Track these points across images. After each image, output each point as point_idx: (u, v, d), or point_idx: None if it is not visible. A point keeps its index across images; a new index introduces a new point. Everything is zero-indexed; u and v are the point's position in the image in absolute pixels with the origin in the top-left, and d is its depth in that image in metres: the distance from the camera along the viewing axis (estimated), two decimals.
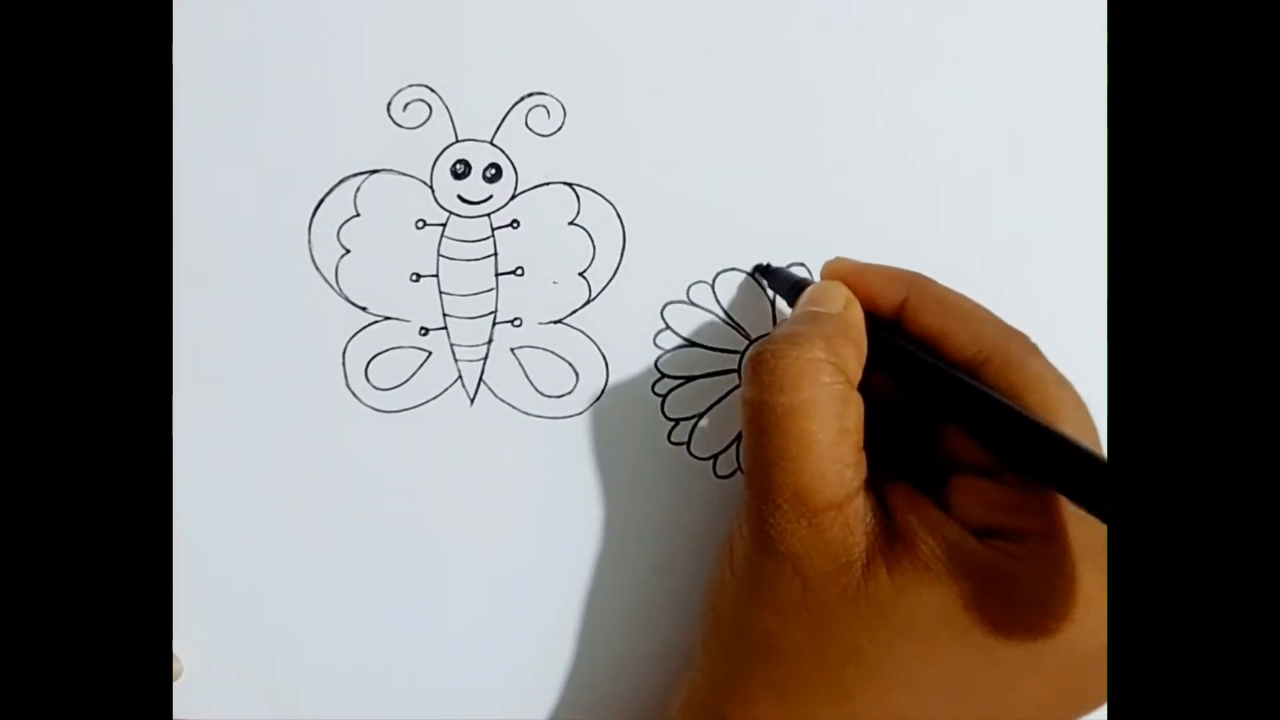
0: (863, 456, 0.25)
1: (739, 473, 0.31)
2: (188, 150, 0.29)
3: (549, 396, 0.30)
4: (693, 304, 0.30)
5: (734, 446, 0.31)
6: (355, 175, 0.29)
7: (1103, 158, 0.30)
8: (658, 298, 0.30)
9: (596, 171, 0.29)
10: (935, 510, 0.25)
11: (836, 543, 0.24)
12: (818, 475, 0.24)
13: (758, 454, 0.24)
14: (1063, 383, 0.25)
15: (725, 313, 0.30)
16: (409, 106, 0.29)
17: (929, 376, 0.25)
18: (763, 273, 0.30)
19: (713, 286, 0.30)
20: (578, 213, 0.30)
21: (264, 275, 0.29)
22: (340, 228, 0.29)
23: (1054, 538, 0.23)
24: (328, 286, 0.30)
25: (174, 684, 0.30)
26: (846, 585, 0.24)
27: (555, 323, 0.30)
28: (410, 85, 0.29)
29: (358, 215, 0.29)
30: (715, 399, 0.31)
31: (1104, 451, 0.24)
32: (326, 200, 0.29)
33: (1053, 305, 0.31)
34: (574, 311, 0.30)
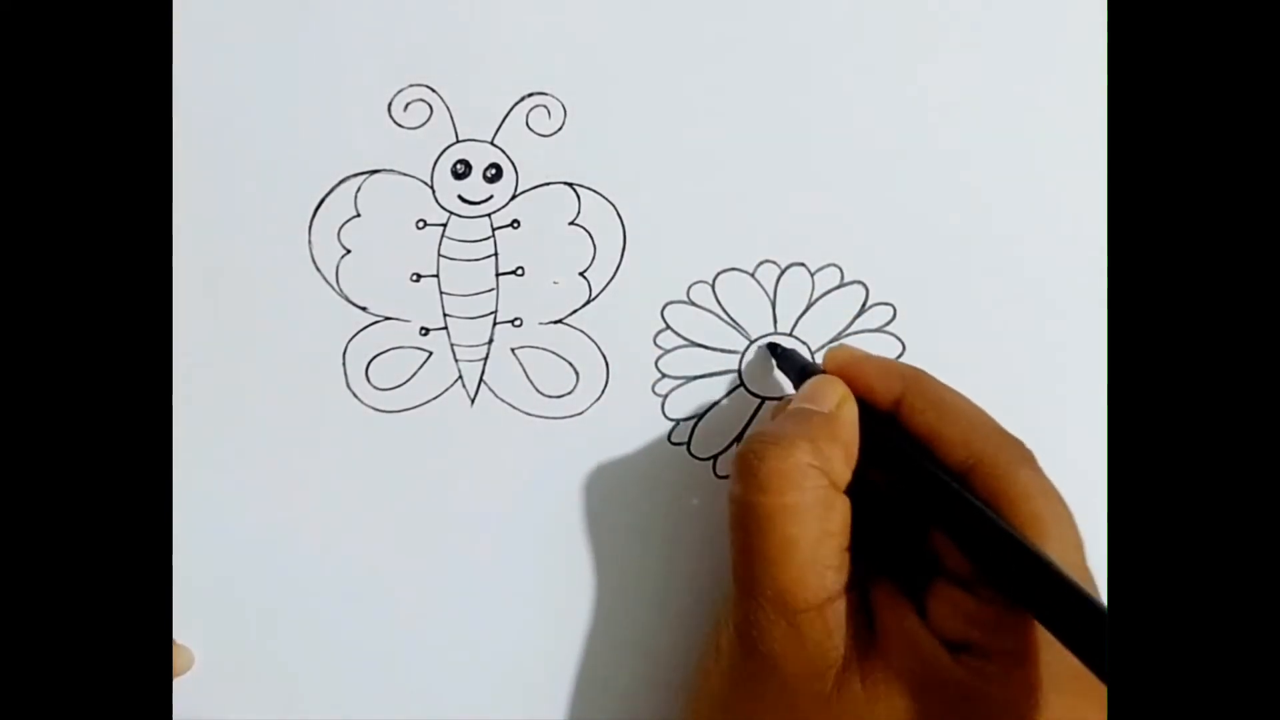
0: (846, 558, 0.25)
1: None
2: (188, 150, 0.29)
3: (549, 396, 0.30)
4: (693, 304, 0.30)
5: (734, 447, 0.31)
6: (356, 175, 0.29)
7: (1103, 158, 0.30)
8: (658, 298, 0.30)
9: (597, 171, 0.29)
10: (914, 618, 0.25)
11: (814, 646, 0.24)
12: (798, 578, 0.24)
13: (742, 551, 0.25)
14: (1050, 496, 0.24)
15: (725, 313, 0.30)
16: (410, 106, 0.29)
17: (917, 478, 0.25)
18: (773, 353, 0.30)
19: (713, 286, 0.30)
20: (578, 213, 0.30)
21: (264, 275, 0.29)
22: (341, 228, 0.29)
23: (1025, 659, 0.23)
24: (328, 287, 0.30)
25: (185, 675, 0.30)
26: (820, 690, 0.24)
27: (556, 323, 0.30)
28: (411, 85, 0.29)
29: (358, 215, 0.29)
30: (715, 399, 0.31)
31: (1088, 576, 0.24)
32: (327, 200, 0.29)
33: (1052, 305, 0.31)
34: (574, 311, 0.30)
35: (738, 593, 0.25)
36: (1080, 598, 0.20)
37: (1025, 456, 0.25)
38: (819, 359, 0.31)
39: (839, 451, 0.25)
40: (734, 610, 0.25)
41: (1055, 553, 0.22)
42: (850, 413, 0.26)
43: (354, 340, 0.30)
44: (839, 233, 0.30)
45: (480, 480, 0.30)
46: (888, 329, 0.30)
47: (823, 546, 0.24)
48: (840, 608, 0.24)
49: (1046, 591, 0.21)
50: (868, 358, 0.28)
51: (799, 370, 0.29)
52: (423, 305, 0.30)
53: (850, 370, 0.27)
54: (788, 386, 0.30)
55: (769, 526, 0.24)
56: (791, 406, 0.27)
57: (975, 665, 0.24)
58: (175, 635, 0.30)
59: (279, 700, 0.31)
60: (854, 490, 0.26)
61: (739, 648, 0.25)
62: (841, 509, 0.25)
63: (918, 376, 0.27)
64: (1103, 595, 0.24)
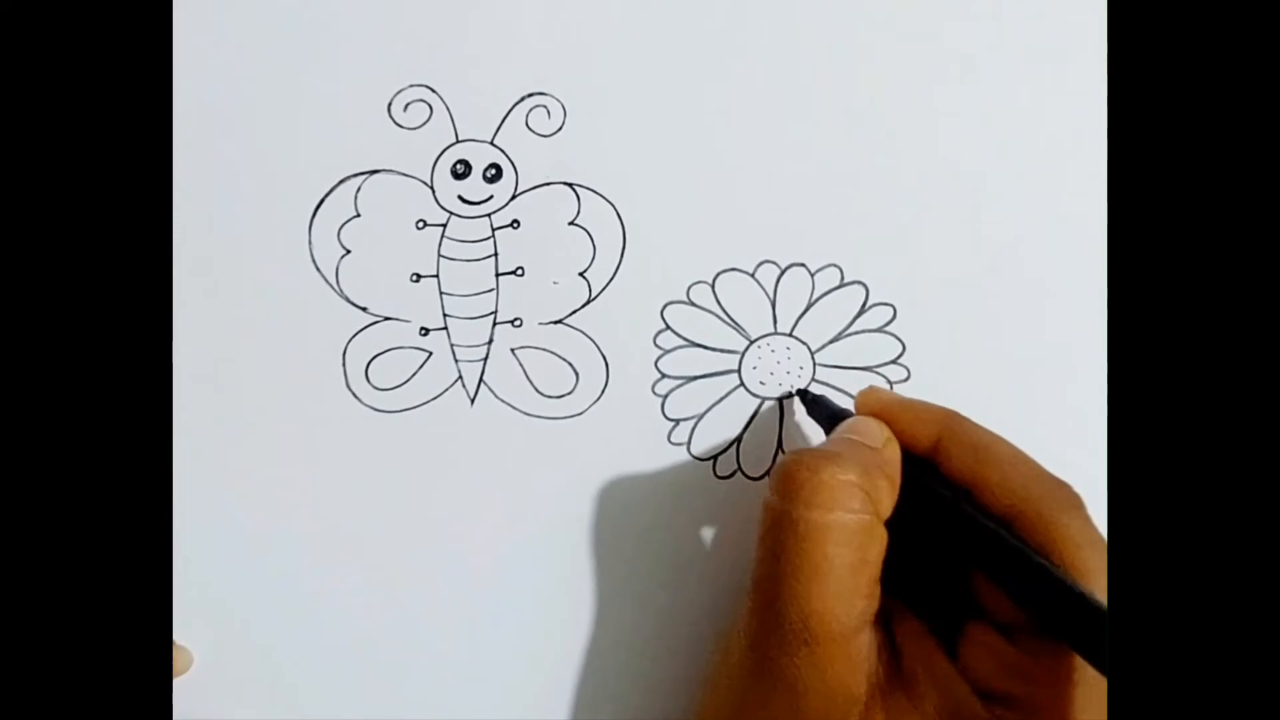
0: (878, 590, 0.24)
1: (739, 473, 0.31)
2: (188, 150, 0.29)
3: (549, 397, 0.30)
4: (693, 304, 0.30)
5: (734, 447, 0.31)
6: (356, 175, 0.29)
7: (1103, 158, 0.30)
8: (658, 298, 0.30)
9: (597, 171, 0.29)
10: (945, 662, 0.24)
11: (836, 680, 0.23)
12: (826, 604, 0.23)
13: (769, 566, 0.23)
14: (1099, 547, 0.23)
15: (725, 313, 0.30)
16: (409, 107, 0.29)
17: (960, 522, 0.24)
18: (803, 398, 0.30)
19: (713, 287, 0.30)
20: (578, 213, 0.30)
21: (264, 275, 0.29)
22: (341, 228, 0.29)
23: (1060, 714, 0.23)
24: (328, 287, 0.30)
25: (184, 675, 0.30)
26: None
27: (555, 323, 0.30)
28: (411, 85, 0.29)
29: (358, 215, 0.29)
30: (715, 399, 0.31)
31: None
32: (327, 200, 0.29)
33: (1052, 305, 0.31)
34: (574, 312, 0.30)
35: (756, 609, 0.24)
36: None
37: (1072, 502, 0.24)
38: (820, 357, 0.31)
39: (885, 483, 0.25)
40: (748, 629, 0.24)
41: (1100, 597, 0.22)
42: (895, 453, 0.26)
43: (354, 340, 0.30)
44: (839, 233, 0.30)
45: (480, 481, 0.30)
46: (887, 329, 0.30)
47: (858, 575, 0.23)
48: (865, 641, 0.23)
49: (1099, 633, 0.20)
50: (902, 401, 0.27)
51: (830, 417, 0.28)
52: (423, 305, 0.30)
53: (885, 414, 0.27)
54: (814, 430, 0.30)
55: (808, 544, 0.23)
56: (836, 435, 0.26)
57: (1007, 716, 0.23)
58: (175, 635, 0.30)
59: (279, 700, 0.31)
60: (890, 527, 0.25)
61: (751, 665, 0.24)
62: (880, 539, 0.24)
63: (955, 420, 0.26)
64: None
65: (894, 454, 0.26)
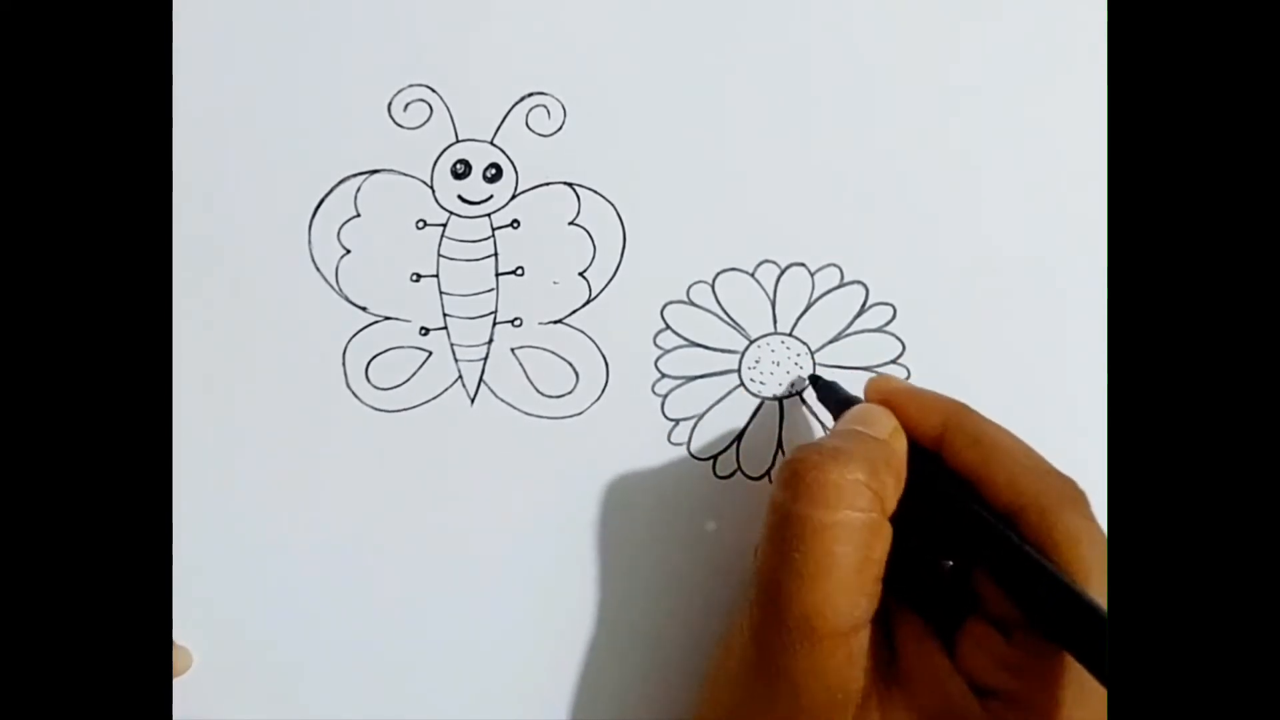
0: (879, 588, 0.24)
1: (739, 473, 0.31)
2: (188, 150, 0.29)
3: (549, 396, 0.30)
4: (693, 304, 0.30)
5: (734, 447, 0.31)
6: (355, 175, 0.29)
7: (1103, 157, 0.30)
8: (658, 298, 0.30)
9: (597, 171, 0.29)
10: (942, 658, 0.24)
11: (834, 675, 0.23)
12: (830, 601, 0.23)
13: (773, 563, 0.23)
14: (1099, 544, 0.23)
15: (725, 313, 0.30)
16: (409, 106, 0.29)
17: (962, 517, 0.24)
18: (814, 384, 0.30)
19: (713, 286, 0.30)
20: (578, 212, 0.30)
21: (264, 275, 0.29)
22: (340, 228, 0.29)
23: (1055, 711, 0.23)
24: (328, 286, 0.30)
25: (184, 676, 0.30)
26: None
27: (555, 323, 0.30)
28: (411, 85, 0.29)
29: (358, 215, 0.29)
30: (715, 399, 0.31)
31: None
32: (327, 200, 0.29)
33: (1052, 305, 0.31)
34: (574, 311, 0.30)
35: (759, 604, 0.24)
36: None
37: (1074, 497, 0.24)
38: (820, 357, 0.31)
39: (891, 479, 0.24)
40: (751, 624, 0.24)
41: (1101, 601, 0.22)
42: (902, 444, 0.26)
43: (354, 340, 0.30)
44: (839, 232, 0.30)
45: (480, 480, 0.30)
46: (887, 329, 0.30)
47: (862, 573, 0.23)
48: (865, 638, 0.23)
49: (1097, 638, 0.20)
50: (910, 390, 0.27)
51: (839, 402, 0.28)
52: (422, 305, 0.30)
53: (892, 403, 0.27)
54: (824, 415, 0.30)
55: (813, 543, 0.23)
56: (842, 427, 0.26)
57: (1002, 712, 0.23)
58: (175, 635, 0.30)
59: (279, 700, 0.31)
60: (893, 521, 0.25)
61: (754, 663, 0.24)
62: (885, 537, 0.24)
63: (961, 412, 0.26)
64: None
65: (900, 446, 0.26)
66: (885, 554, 0.24)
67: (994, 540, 0.23)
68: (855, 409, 0.27)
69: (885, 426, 0.26)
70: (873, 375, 0.29)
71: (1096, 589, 0.22)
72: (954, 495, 0.25)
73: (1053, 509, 0.24)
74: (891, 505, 0.25)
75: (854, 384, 0.31)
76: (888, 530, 0.24)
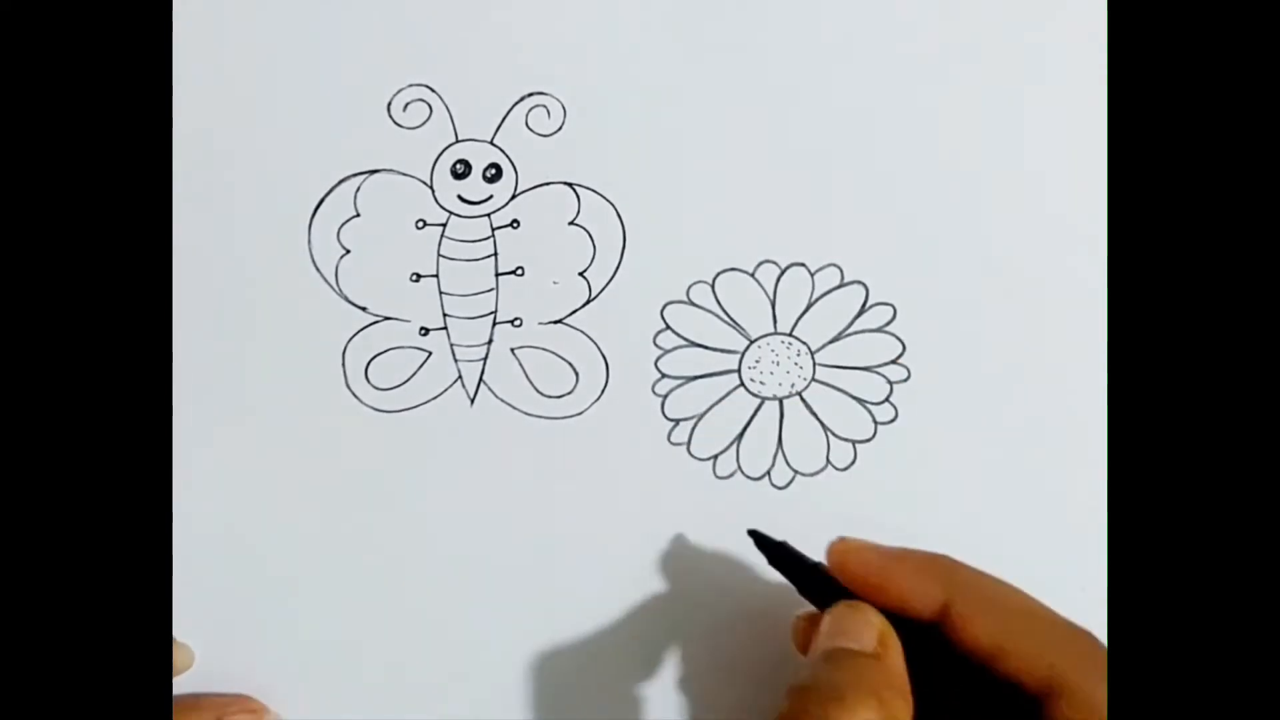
0: None
1: (739, 473, 0.31)
2: (188, 150, 0.29)
3: (549, 397, 0.30)
4: (693, 304, 0.30)
5: (734, 447, 0.31)
6: (355, 175, 0.29)
7: (1103, 158, 0.30)
8: (658, 297, 0.30)
9: (596, 171, 0.29)
10: None
11: None
12: None
13: None
14: None
15: (725, 313, 0.30)
16: (409, 106, 0.29)
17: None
18: (759, 545, 0.27)
19: (713, 286, 0.30)
20: (578, 212, 0.30)
21: (264, 275, 0.29)
22: (340, 228, 0.29)
23: None
24: (328, 287, 0.29)
25: (184, 674, 0.30)
26: None
27: (555, 323, 0.30)
28: (410, 85, 0.29)
29: (358, 215, 0.29)
30: (715, 399, 0.31)
31: None
32: (326, 200, 0.29)
33: (1053, 305, 0.30)
34: (574, 311, 0.30)
35: None
36: None
37: (1103, 662, 0.22)
38: (820, 357, 0.31)
39: (900, 703, 0.22)
40: None
41: None
42: (897, 649, 0.23)
43: (353, 340, 0.30)
44: (839, 233, 0.30)
45: (479, 481, 0.30)
46: (888, 329, 0.30)
47: None
48: None
49: None
50: (887, 561, 0.24)
51: (798, 570, 0.26)
52: (422, 305, 0.30)
53: (875, 579, 0.24)
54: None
55: None
56: (827, 646, 0.23)
57: None
58: (175, 634, 0.30)
59: (279, 700, 0.31)
60: None
61: None
62: None
63: (958, 572, 0.24)
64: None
65: (896, 652, 0.23)
66: None
67: None
68: (833, 618, 0.24)
69: (871, 633, 0.23)
70: (834, 541, 0.25)
71: None
72: (971, 686, 0.22)
73: (1088, 684, 0.21)
74: None
75: (856, 383, 0.31)
76: None
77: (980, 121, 0.30)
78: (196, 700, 0.29)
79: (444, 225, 0.30)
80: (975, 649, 0.23)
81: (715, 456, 0.31)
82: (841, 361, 0.31)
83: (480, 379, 0.30)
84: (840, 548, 0.25)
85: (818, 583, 0.25)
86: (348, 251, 0.29)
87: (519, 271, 0.30)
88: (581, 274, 0.30)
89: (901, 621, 0.23)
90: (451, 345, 0.30)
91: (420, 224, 0.29)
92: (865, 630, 0.23)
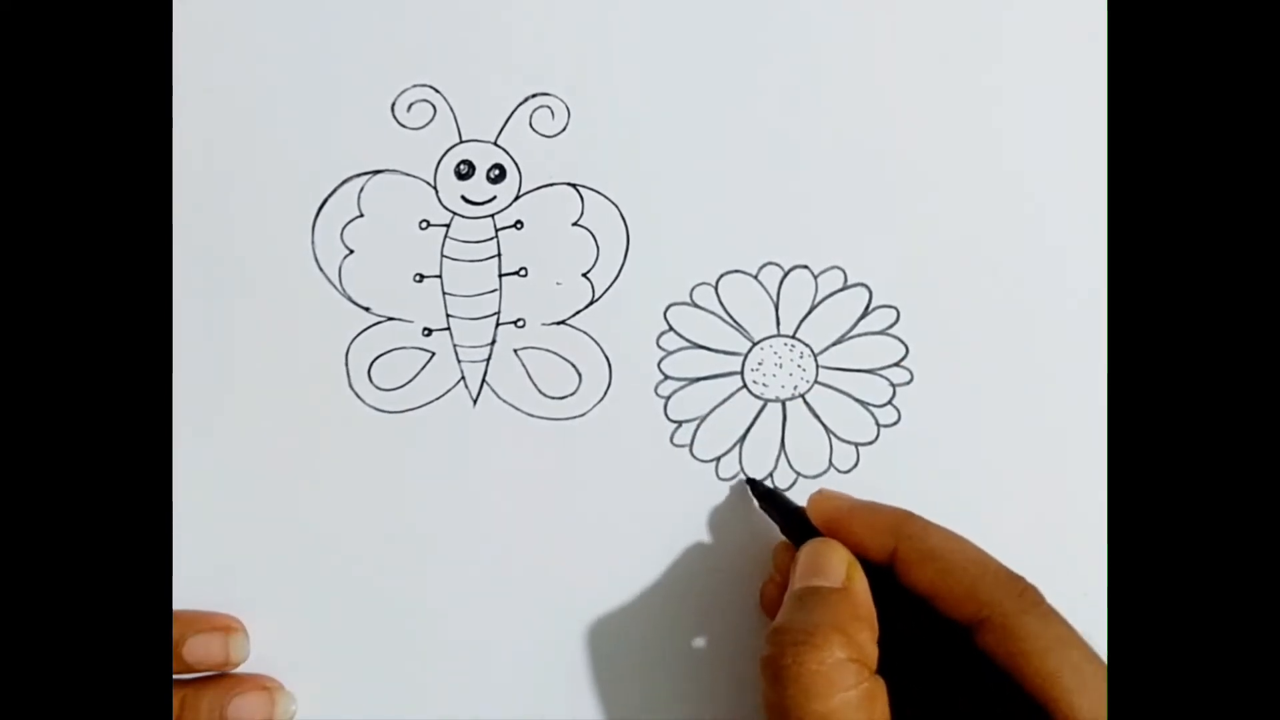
0: None
1: (741, 476, 0.31)
2: (190, 151, 0.29)
3: (552, 398, 0.30)
4: (696, 305, 0.30)
5: (737, 449, 0.31)
6: (359, 176, 0.29)
7: (1104, 161, 0.30)
8: (661, 299, 0.30)
9: (600, 172, 0.29)
10: None
11: None
12: None
13: None
14: (1063, 640, 0.24)
15: (728, 314, 0.30)
16: (413, 107, 0.29)
17: (927, 647, 0.25)
18: (754, 490, 0.30)
19: (716, 288, 0.30)
20: (581, 213, 0.30)
21: (267, 275, 0.29)
22: (344, 228, 0.29)
23: None
24: (331, 287, 0.30)
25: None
26: None
27: (558, 324, 0.30)
28: (414, 86, 0.29)
29: (361, 216, 0.29)
30: (718, 401, 0.30)
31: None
32: (330, 201, 0.29)
33: (1054, 308, 0.30)
34: (577, 312, 0.30)
35: None
36: None
37: (1031, 602, 0.24)
38: (822, 360, 0.31)
39: (867, 633, 0.25)
40: None
41: (1077, 705, 0.22)
42: (862, 583, 0.26)
43: (356, 340, 0.30)
44: (843, 235, 0.30)
45: (482, 481, 0.30)
46: (890, 332, 0.30)
47: None
48: None
49: None
50: (853, 509, 0.27)
51: (783, 513, 0.29)
52: (425, 306, 0.30)
53: (838, 526, 0.27)
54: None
55: None
56: (800, 585, 0.26)
57: None
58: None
59: None
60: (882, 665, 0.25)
61: None
62: (882, 697, 0.24)
63: (908, 525, 0.26)
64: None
65: (862, 585, 0.26)
66: (885, 710, 0.24)
67: (961, 666, 0.24)
68: (805, 555, 0.27)
69: (839, 569, 0.26)
70: (815, 491, 0.29)
71: (1075, 695, 0.22)
72: (916, 625, 0.25)
73: (1017, 615, 0.24)
74: (875, 658, 0.24)
75: (858, 386, 0.31)
76: (881, 688, 0.24)
77: (983, 125, 0.30)
78: (210, 680, 0.29)
79: (447, 226, 0.30)
80: (917, 590, 0.25)
81: (718, 458, 0.31)
82: (844, 364, 0.31)
83: (483, 380, 0.30)
84: (818, 496, 0.28)
85: (798, 524, 0.28)
86: (351, 252, 0.29)
87: (522, 272, 0.30)
88: (585, 275, 0.30)
89: (866, 564, 0.26)
90: (454, 346, 0.30)
91: (424, 224, 0.29)
92: (833, 564, 0.26)
